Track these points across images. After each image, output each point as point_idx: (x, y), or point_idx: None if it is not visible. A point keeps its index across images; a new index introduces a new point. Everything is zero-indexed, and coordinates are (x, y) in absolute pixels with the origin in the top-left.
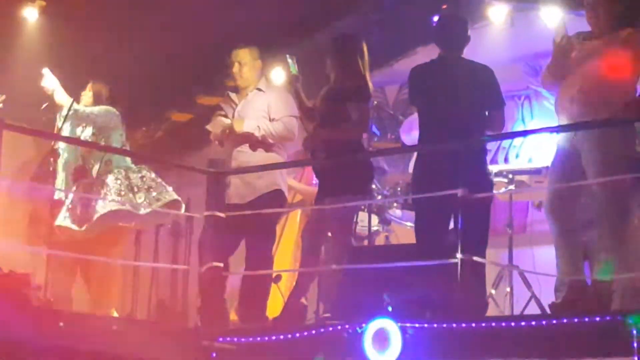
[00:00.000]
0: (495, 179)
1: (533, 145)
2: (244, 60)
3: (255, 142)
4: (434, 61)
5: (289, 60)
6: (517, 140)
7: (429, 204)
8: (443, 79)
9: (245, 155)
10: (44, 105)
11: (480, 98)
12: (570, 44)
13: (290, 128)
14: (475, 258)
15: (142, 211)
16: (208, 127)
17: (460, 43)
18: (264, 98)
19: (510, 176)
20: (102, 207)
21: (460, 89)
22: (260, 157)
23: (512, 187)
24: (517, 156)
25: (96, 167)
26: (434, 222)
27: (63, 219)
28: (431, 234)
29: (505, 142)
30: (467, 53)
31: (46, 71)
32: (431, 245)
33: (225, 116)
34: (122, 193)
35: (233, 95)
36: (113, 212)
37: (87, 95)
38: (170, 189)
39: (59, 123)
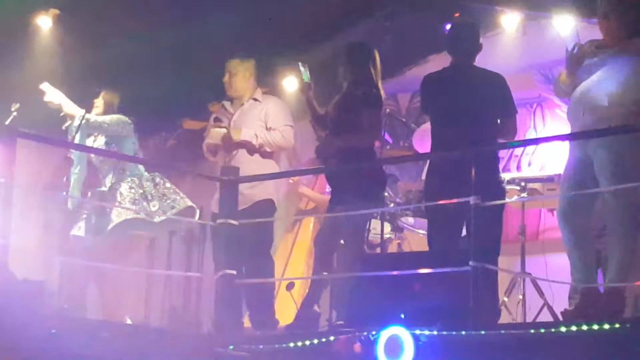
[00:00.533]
0: (508, 187)
1: (545, 153)
2: (235, 71)
3: (253, 150)
4: (446, 69)
5: (301, 68)
6: (530, 148)
7: (441, 212)
8: (455, 87)
9: (242, 166)
10: (66, 125)
11: (492, 106)
12: (583, 52)
13: (287, 137)
14: (487, 266)
15: (157, 219)
16: (207, 139)
17: (472, 51)
18: (261, 107)
19: (523, 184)
20: (117, 215)
21: (472, 97)
22: (258, 167)
23: (524, 194)
24: (529, 164)
25: (109, 177)
26: (446, 229)
27: (78, 229)
28: (444, 242)
29: (518, 150)
30: (480, 61)
31: (46, 86)
32: (444, 253)
33: (220, 127)
34: (137, 202)
35: (228, 105)
36: (128, 221)
37: (99, 104)
38: (183, 195)
39: (71, 133)
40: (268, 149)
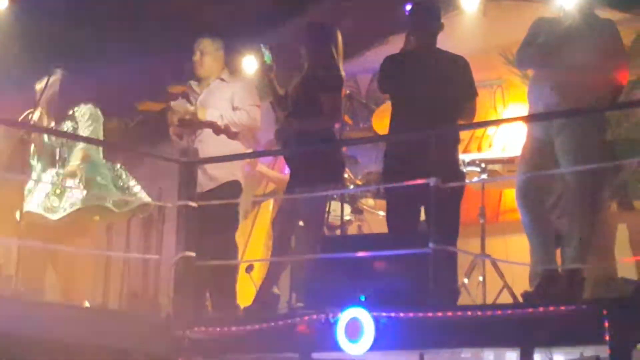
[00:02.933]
0: (468, 168)
1: (506, 134)
2: (206, 50)
3: (219, 130)
4: (407, 51)
5: (263, 49)
6: (490, 130)
7: (400, 194)
8: (416, 69)
9: (207, 146)
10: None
11: (452, 88)
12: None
13: (253, 117)
14: (447, 247)
15: (118, 210)
16: (170, 114)
17: (433, 31)
18: (228, 88)
19: (483, 165)
20: (84, 200)
21: (433, 79)
22: (223, 147)
23: (484, 176)
24: (490, 146)
25: (74, 158)
26: (405, 211)
27: (36, 206)
28: (403, 224)
29: (479, 132)
30: (440, 42)
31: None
32: (404, 235)
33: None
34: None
35: (194, 85)
36: (91, 207)
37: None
38: (141, 190)
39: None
40: (234, 129)
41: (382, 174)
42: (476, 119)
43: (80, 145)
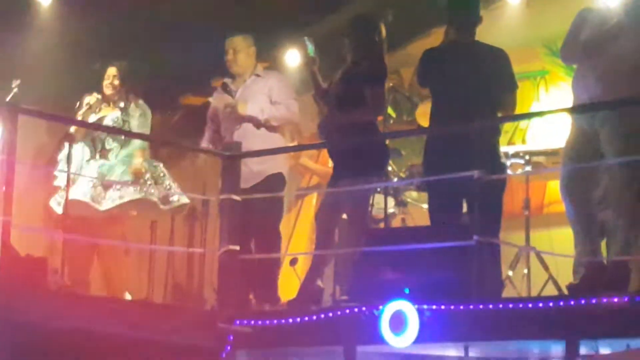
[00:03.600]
0: (512, 161)
1: (550, 126)
2: (239, 48)
3: (259, 125)
4: (446, 44)
5: (307, 42)
6: (535, 122)
7: (443, 187)
8: (455, 62)
9: (248, 141)
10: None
11: (492, 81)
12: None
13: (293, 110)
14: (491, 240)
15: (162, 206)
16: (211, 99)
17: (472, 23)
18: (264, 82)
19: (527, 157)
20: (132, 193)
21: (472, 72)
22: (265, 142)
23: (528, 168)
24: (534, 137)
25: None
26: (447, 204)
27: (82, 195)
28: (445, 216)
29: (523, 124)
30: (483, 34)
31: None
32: (447, 227)
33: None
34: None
35: (229, 82)
36: (140, 200)
37: (109, 79)
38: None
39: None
40: (274, 123)
41: (423, 167)
42: (519, 111)
43: (138, 143)
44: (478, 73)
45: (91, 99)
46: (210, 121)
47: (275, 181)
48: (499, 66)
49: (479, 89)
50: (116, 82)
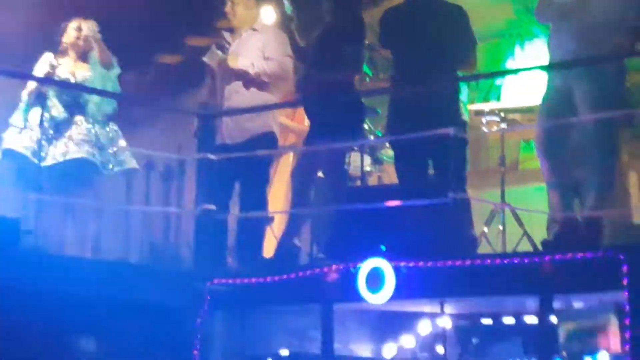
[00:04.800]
0: (487, 118)
1: (525, 83)
2: (237, 0)
3: (249, 80)
4: (404, 3)
5: (284, 0)
6: (510, 79)
7: (408, 145)
8: (413, 20)
9: (239, 96)
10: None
11: (451, 38)
12: None
13: (284, 67)
14: (468, 196)
15: (105, 171)
16: (204, 58)
17: None
18: (259, 37)
19: (502, 114)
20: (77, 152)
21: (431, 30)
22: (254, 98)
23: (504, 125)
24: (509, 95)
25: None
26: (416, 162)
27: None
28: (415, 174)
29: (498, 81)
30: None
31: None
32: (418, 185)
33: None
34: (89, 143)
35: (227, 35)
36: (79, 160)
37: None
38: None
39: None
40: (265, 79)
41: (386, 126)
42: (494, 69)
43: (96, 98)
44: (437, 31)
45: (53, 60)
46: (210, 79)
47: (263, 140)
48: (457, 23)
49: (438, 46)
50: (80, 36)
